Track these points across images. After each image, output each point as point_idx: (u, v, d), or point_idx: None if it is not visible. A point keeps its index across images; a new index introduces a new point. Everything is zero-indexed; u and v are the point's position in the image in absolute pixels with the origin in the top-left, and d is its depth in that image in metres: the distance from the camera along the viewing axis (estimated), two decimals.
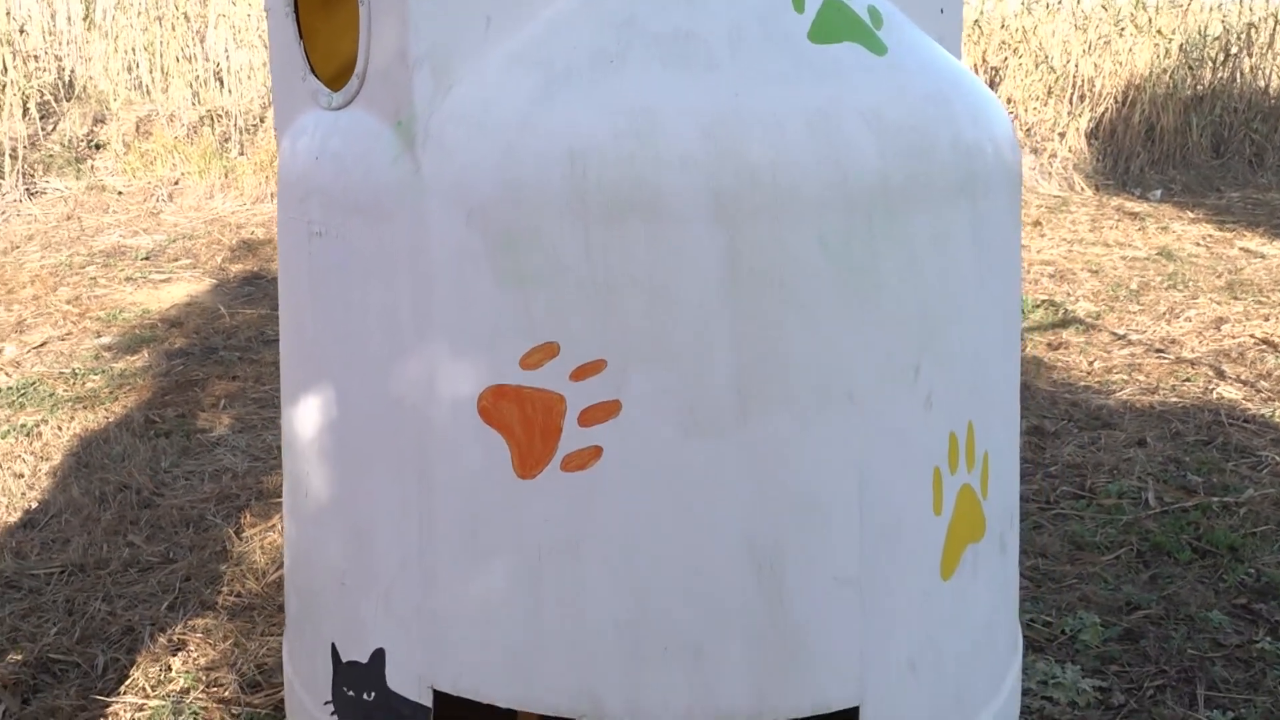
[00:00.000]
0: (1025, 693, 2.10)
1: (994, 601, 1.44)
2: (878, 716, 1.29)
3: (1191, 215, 7.49)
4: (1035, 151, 8.68)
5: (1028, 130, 8.78)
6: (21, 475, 3.20)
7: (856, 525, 1.24)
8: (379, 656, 1.35)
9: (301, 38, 1.39)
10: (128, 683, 2.17)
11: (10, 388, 4.02)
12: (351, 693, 1.40)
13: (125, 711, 2.08)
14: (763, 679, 1.24)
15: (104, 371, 4.19)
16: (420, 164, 1.19)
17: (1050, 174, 8.60)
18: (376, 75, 1.25)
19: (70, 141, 7.05)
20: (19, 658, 2.26)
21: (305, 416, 1.40)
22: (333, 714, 1.44)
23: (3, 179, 6.45)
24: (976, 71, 8.99)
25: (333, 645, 1.41)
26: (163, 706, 2.08)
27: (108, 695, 2.13)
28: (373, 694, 1.37)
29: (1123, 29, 8.96)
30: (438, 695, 1.31)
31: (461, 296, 1.19)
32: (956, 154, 1.26)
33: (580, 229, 1.14)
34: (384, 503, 1.30)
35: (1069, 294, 5.43)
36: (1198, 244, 6.60)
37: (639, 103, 1.15)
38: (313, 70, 1.38)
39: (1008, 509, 1.46)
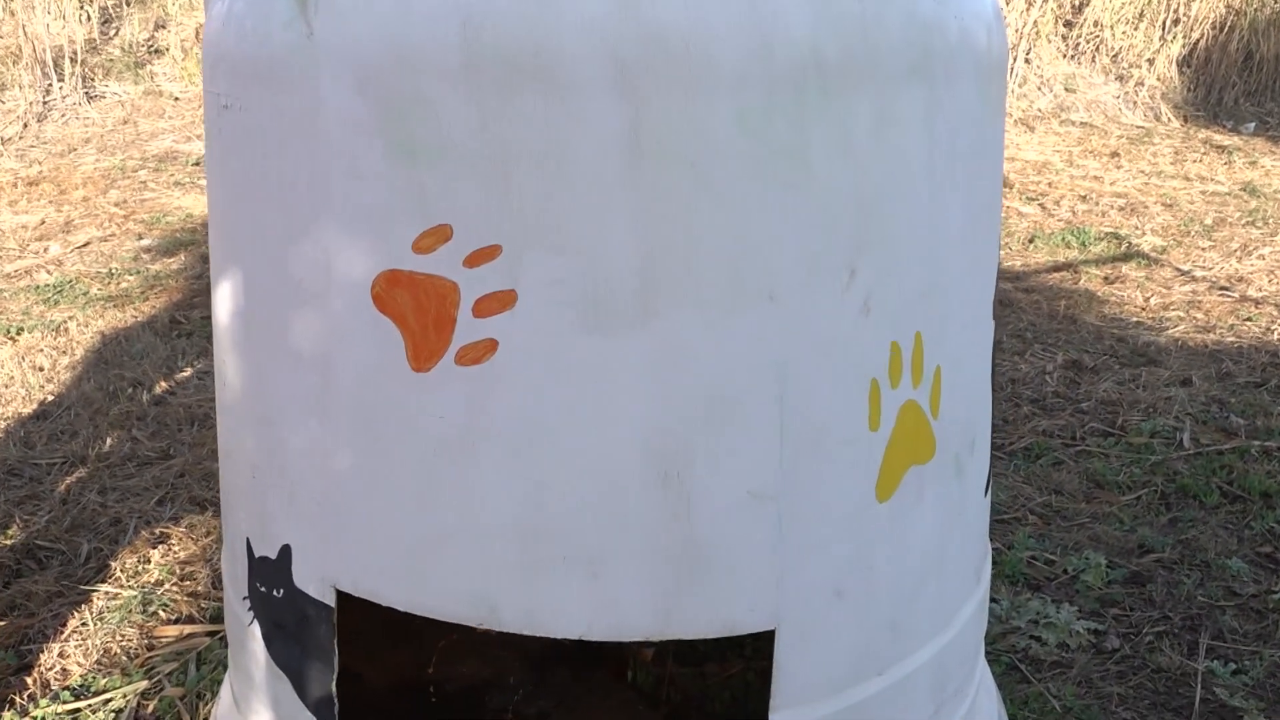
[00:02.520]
0: (1012, 631, 2.00)
1: (945, 529, 1.33)
2: (797, 642, 1.21)
3: None
4: (1121, 79, 8.24)
5: (1114, 56, 8.33)
6: (41, 369, 3.25)
7: (776, 438, 1.14)
8: (286, 553, 1.31)
9: None
10: (106, 572, 2.18)
11: (48, 285, 4.09)
12: (264, 589, 1.36)
13: (99, 600, 2.09)
14: (667, 596, 1.16)
15: (139, 272, 4.23)
16: (313, 27, 1.10)
17: (1135, 103, 8.16)
18: None
19: (130, 46, 7.09)
20: (8, 543, 2.29)
21: (221, 302, 1.34)
22: (250, 610, 1.40)
23: (62, 82, 6.52)
24: None
25: (247, 540, 1.37)
26: (134, 596, 2.09)
27: (85, 583, 2.14)
28: (281, 591, 1.33)
29: None
30: (340, 595, 1.26)
31: (354, 172, 1.11)
32: (909, 31, 1.12)
33: (472, 99, 1.04)
34: (288, 392, 1.24)
35: (1136, 227, 5.17)
36: None
37: None
38: None
39: (968, 431, 1.35)
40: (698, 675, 1.88)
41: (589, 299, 1.08)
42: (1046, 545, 2.30)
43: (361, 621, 1.27)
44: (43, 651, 1.92)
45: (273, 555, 1.32)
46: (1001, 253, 4.73)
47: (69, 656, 1.91)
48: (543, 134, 1.04)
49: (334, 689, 1.30)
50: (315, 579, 1.28)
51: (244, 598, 1.41)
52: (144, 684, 1.83)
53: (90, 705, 1.78)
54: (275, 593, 1.34)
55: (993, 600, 2.09)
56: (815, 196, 1.10)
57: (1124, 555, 2.27)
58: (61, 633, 1.98)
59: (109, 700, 1.79)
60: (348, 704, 1.77)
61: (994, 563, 2.22)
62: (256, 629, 1.39)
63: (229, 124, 1.25)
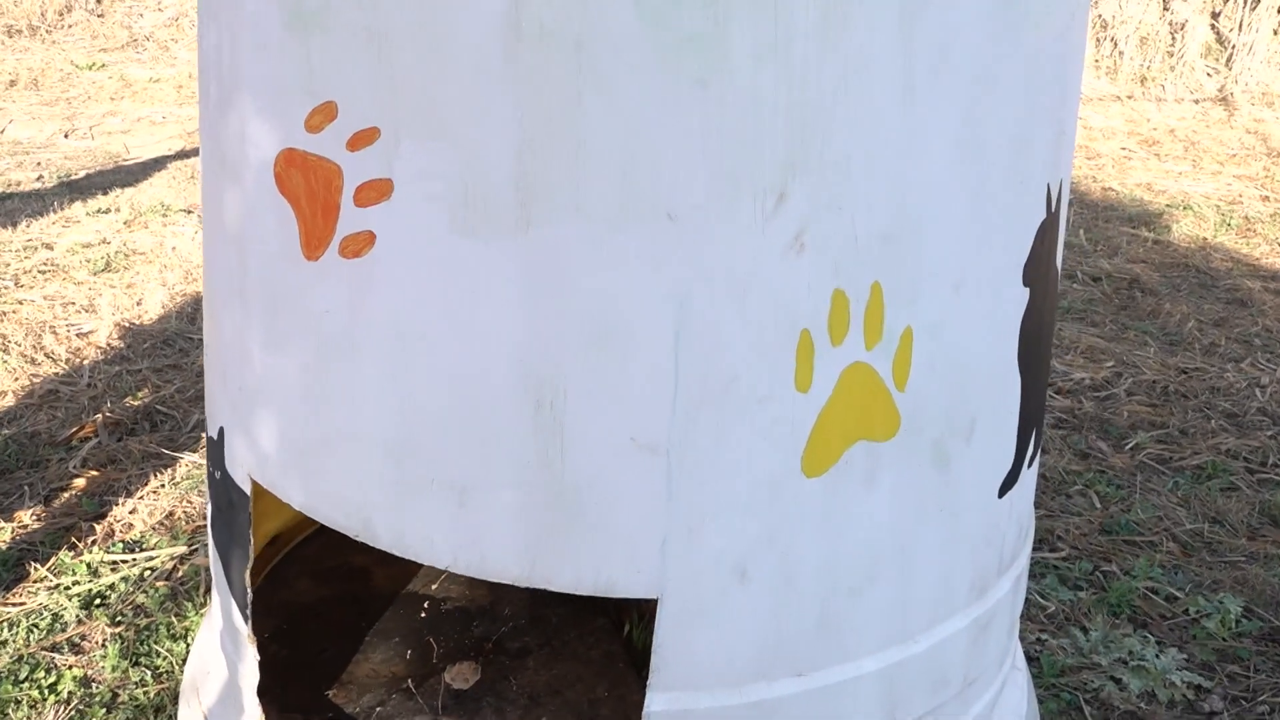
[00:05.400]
0: (1090, 667, 1.72)
1: (913, 524, 1.12)
2: (687, 618, 1.06)
3: None
4: None
5: None
6: None
7: (669, 381, 0.99)
8: (221, 435, 1.29)
9: None
10: (199, 444, 2.31)
11: None
12: (211, 469, 1.36)
13: (181, 467, 2.21)
14: (534, 538, 1.04)
15: None
16: None
17: None
18: None
19: None
20: (135, 404, 2.47)
21: (200, 179, 1.34)
22: (208, 489, 1.41)
23: None
24: None
25: (206, 419, 1.38)
26: None
27: (177, 450, 2.27)
28: (219, 473, 1.32)
29: None
30: (255, 485, 1.24)
31: (259, 42, 1.05)
32: None
33: None
34: (220, 271, 1.22)
35: None
36: None
37: None
38: None
39: (959, 414, 1.12)
40: None
41: (463, 197, 0.97)
42: (1175, 579, 1.95)
43: None
44: (118, 504, 2.06)
45: (215, 436, 1.32)
46: (1268, 247, 4.10)
47: (137, 513, 2.03)
48: (420, 6, 0.93)
49: (248, 578, 1.28)
50: (238, 465, 1.25)
51: (208, 474, 1.42)
52: (183, 549, 1.91)
53: (134, 559, 1.88)
54: (216, 474, 1.33)
55: (1081, 629, 1.80)
56: (733, 100, 0.92)
57: (1271, 607, 1.89)
58: (139, 491, 2.11)
59: (153, 558, 1.89)
60: (351, 602, 1.77)
61: (1099, 589, 1.92)
62: (210, 508, 1.40)
63: None
